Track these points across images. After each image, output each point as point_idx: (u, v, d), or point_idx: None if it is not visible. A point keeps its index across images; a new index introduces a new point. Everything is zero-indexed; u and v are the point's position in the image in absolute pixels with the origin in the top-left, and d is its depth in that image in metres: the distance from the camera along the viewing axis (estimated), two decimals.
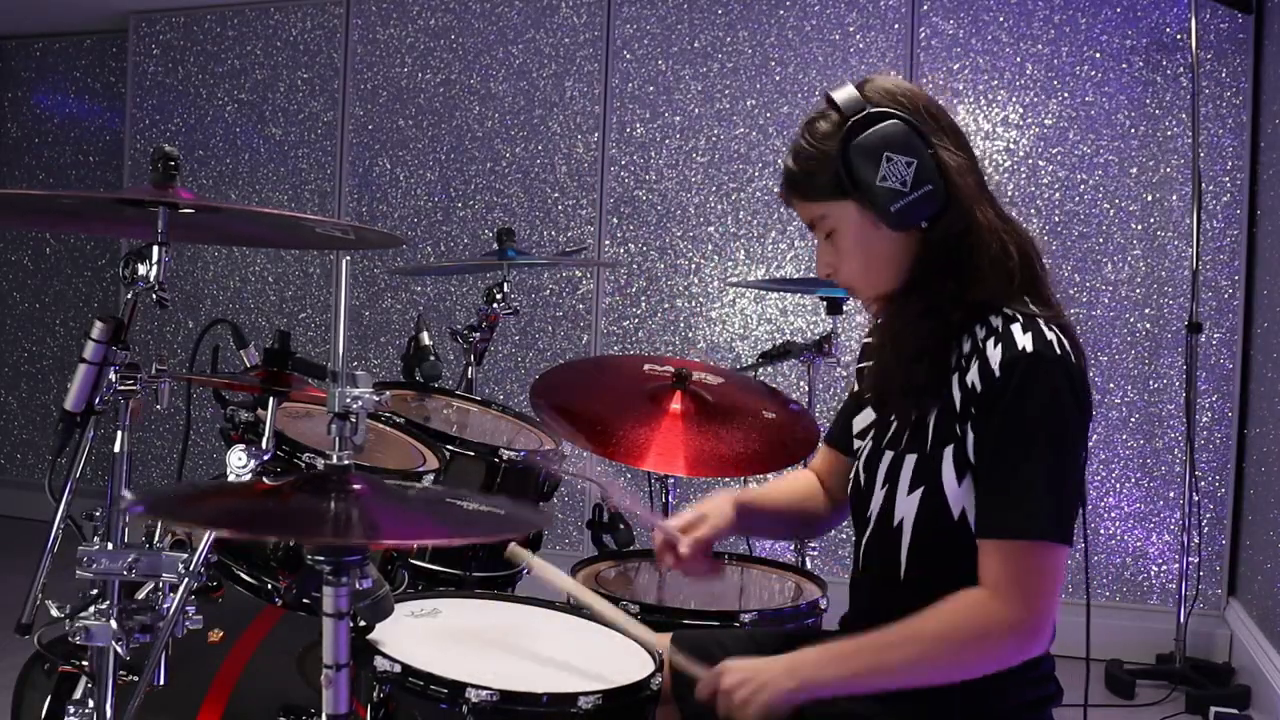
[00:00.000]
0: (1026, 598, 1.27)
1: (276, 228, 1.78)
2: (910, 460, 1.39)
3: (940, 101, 1.46)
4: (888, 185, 1.35)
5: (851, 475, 1.53)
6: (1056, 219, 3.61)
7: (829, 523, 1.75)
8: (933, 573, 1.37)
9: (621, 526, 2.34)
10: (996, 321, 1.35)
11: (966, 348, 1.37)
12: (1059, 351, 1.31)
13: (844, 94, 1.40)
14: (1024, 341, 1.30)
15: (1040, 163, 3.64)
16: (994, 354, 1.31)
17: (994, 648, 1.29)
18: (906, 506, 1.38)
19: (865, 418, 1.57)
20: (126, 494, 1.15)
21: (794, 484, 1.73)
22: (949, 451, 1.35)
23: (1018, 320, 1.33)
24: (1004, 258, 1.37)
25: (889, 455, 1.44)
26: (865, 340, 1.62)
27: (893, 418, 1.46)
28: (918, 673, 1.32)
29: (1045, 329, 1.32)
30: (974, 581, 1.31)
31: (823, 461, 1.71)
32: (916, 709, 1.38)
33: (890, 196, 1.35)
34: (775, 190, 3.83)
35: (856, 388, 1.62)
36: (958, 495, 1.34)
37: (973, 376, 1.33)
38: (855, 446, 1.57)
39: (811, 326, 3.88)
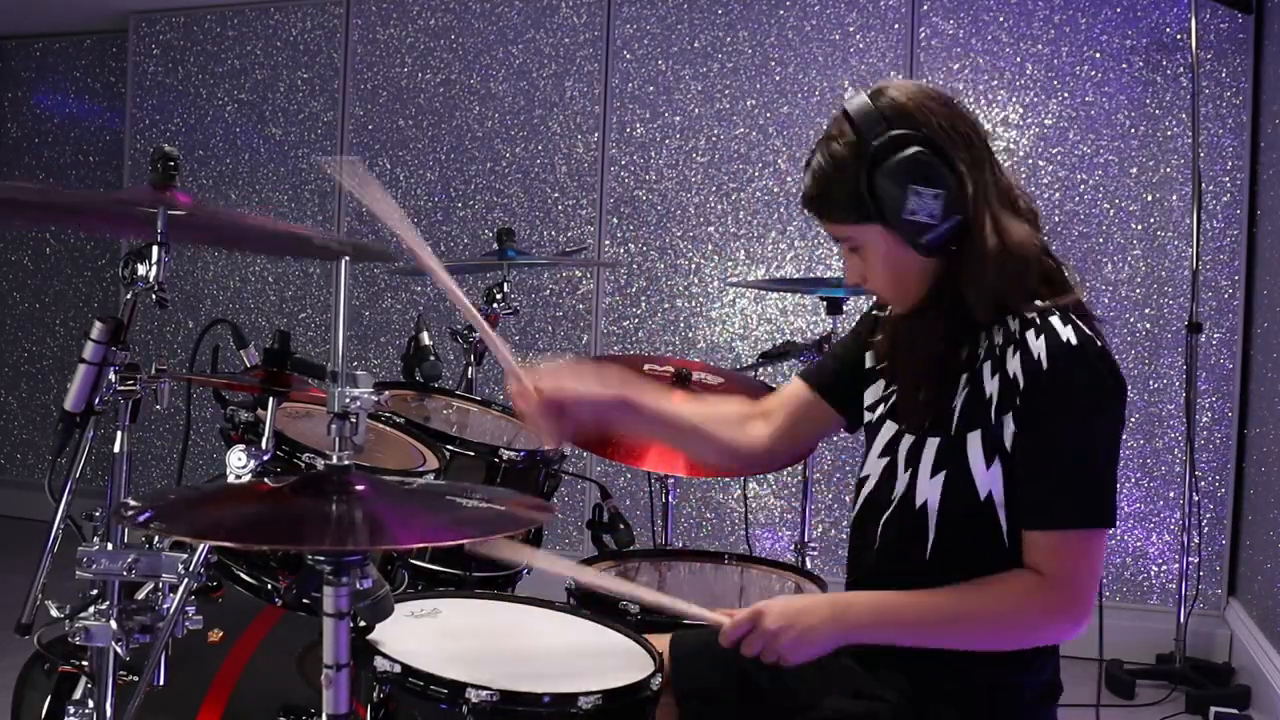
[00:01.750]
0: (1077, 585, 1.32)
1: (273, 238, 1.78)
2: (933, 444, 1.40)
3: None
4: (917, 219, 1.35)
5: (867, 461, 1.52)
6: (1056, 219, 3.60)
7: (754, 459, 1.68)
8: (957, 552, 1.39)
9: (621, 526, 2.34)
10: (1031, 314, 1.36)
11: (999, 338, 1.38)
12: (1100, 344, 1.34)
13: (858, 108, 1.38)
14: (1067, 334, 1.32)
15: (1040, 163, 3.64)
16: (1036, 345, 1.33)
17: (1042, 631, 1.35)
18: (930, 489, 1.40)
19: (875, 392, 1.56)
20: (131, 502, 1.14)
21: (712, 405, 1.69)
22: (976, 436, 1.36)
23: (1054, 313, 1.35)
24: (1025, 264, 1.38)
25: (909, 439, 1.45)
26: (875, 312, 1.60)
27: (908, 401, 1.47)
28: (961, 643, 1.37)
29: (1081, 323, 1.35)
30: (998, 560, 1.35)
31: (790, 396, 1.66)
32: (918, 699, 1.39)
33: (920, 229, 1.35)
34: (775, 190, 3.86)
35: (870, 360, 1.58)
36: (985, 477, 1.36)
37: (1014, 367, 1.34)
38: (865, 419, 1.57)
39: (811, 326, 3.88)
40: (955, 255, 1.39)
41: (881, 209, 1.36)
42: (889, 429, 1.50)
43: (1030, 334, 1.34)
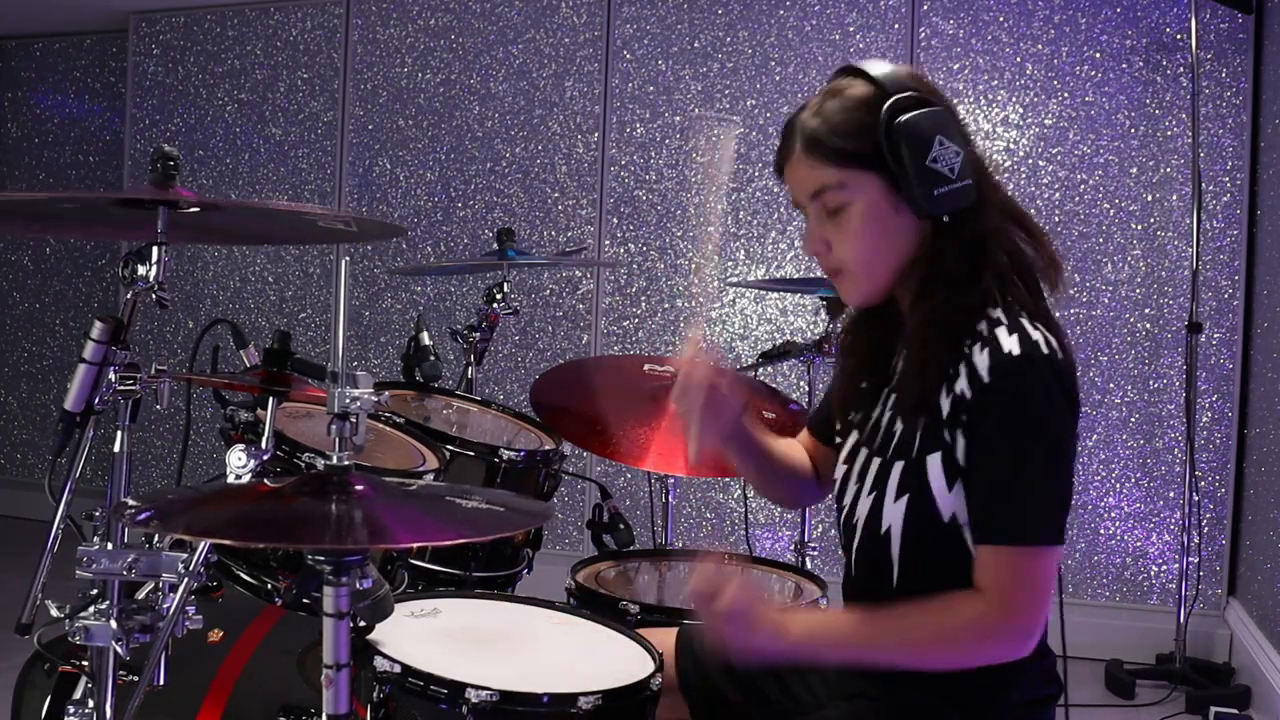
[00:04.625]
0: (1022, 603, 1.27)
1: (278, 222, 1.78)
2: (898, 467, 1.37)
3: None
4: (937, 168, 1.31)
5: (839, 480, 1.50)
6: (1056, 219, 3.60)
7: (812, 495, 1.71)
8: (925, 577, 1.35)
9: (621, 526, 2.34)
10: (981, 326, 1.32)
11: (949, 355, 1.34)
12: (1045, 351, 1.29)
13: (880, 68, 1.36)
14: (1010, 345, 1.28)
15: (1040, 163, 3.64)
16: (981, 360, 1.29)
17: (986, 652, 1.30)
18: (894, 513, 1.36)
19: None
20: (131, 501, 1.14)
21: (791, 447, 1.70)
22: (936, 459, 1.33)
23: (1002, 324, 1.31)
24: (1008, 266, 1.36)
25: (877, 462, 1.41)
26: (842, 337, 1.57)
27: (883, 421, 1.43)
28: (902, 664, 1.34)
29: (1030, 329, 1.30)
30: (967, 583, 1.30)
31: (806, 443, 1.70)
32: (916, 700, 1.39)
33: (937, 180, 1.31)
34: (775, 190, 3.86)
35: (841, 374, 1.56)
36: (948, 501, 1.32)
37: (962, 385, 1.30)
38: (838, 443, 1.55)
39: (811, 326, 3.88)
40: (945, 231, 1.35)
41: (898, 155, 1.31)
42: (861, 454, 1.46)
43: (977, 349, 1.30)
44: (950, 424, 1.31)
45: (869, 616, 1.33)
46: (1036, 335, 1.30)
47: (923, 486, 1.33)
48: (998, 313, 1.33)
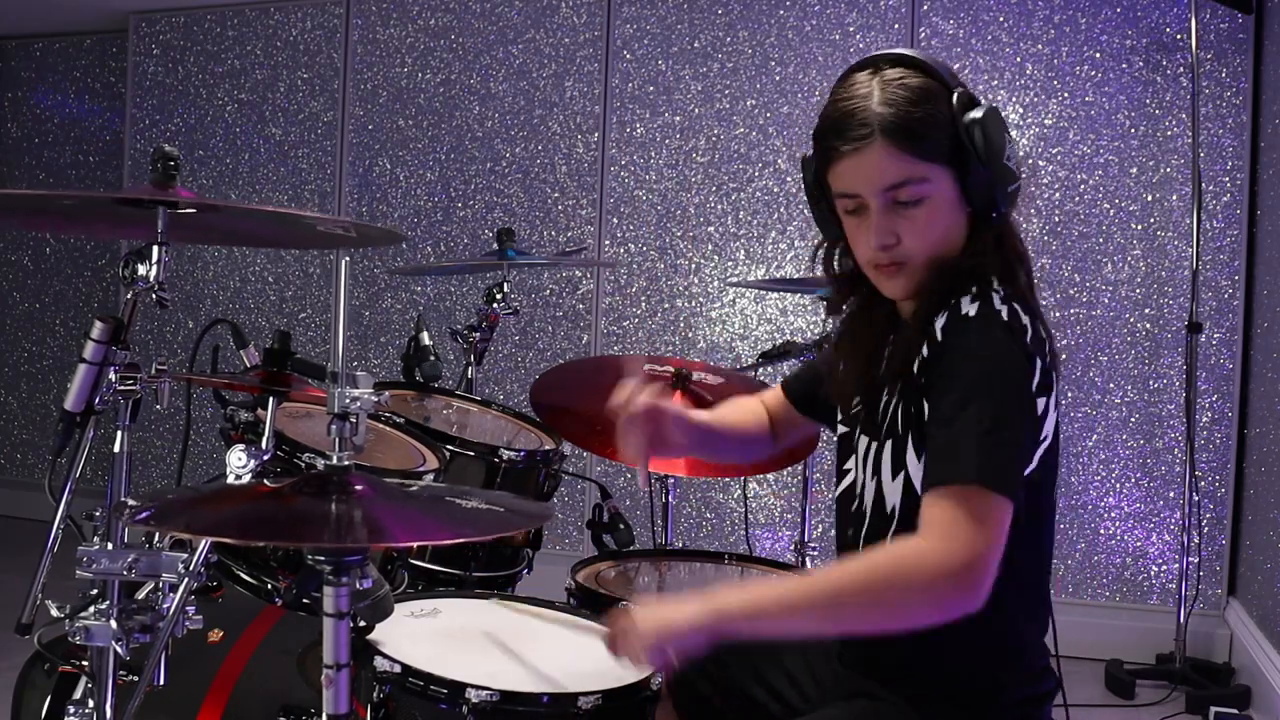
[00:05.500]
0: (958, 541, 1.19)
1: (277, 225, 1.78)
2: (889, 446, 1.37)
3: None
4: (1011, 166, 1.31)
5: (845, 475, 1.50)
6: (1056, 219, 3.61)
7: (765, 451, 1.72)
8: None
9: (621, 527, 2.34)
10: (953, 301, 1.32)
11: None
12: (1005, 319, 1.28)
13: (924, 58, 1.34)
14: (967, 309, 1.29)
15: (1040, 163, 3.64)
16: (939, 322, 1.30)
17: (924, 591, 1.20)
18: (894, 491, 1.36)
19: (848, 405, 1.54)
20: (131, 501, 1.14)
21: (738, 411, 1.71)
22: (912, 432, 1.33)
23: (968, 294, 1.31)
24: (1013, 263, 1.36)
25: (874, 446, 1.41)
26: (842, 329, 1.56)
27: (877, 407, 1.43)
28: (844, 621, 1.26)
29: (996, 303, 1.30)
30: None
31: (773, 400, 1.70)
32: (912, 699, 1.39)
33: (1011, 177, 1.32)
34: (775, 190, 3.86)
35: (840, 368, 1.54)
36: (919, 473, 1.31)
37: (924, 350, 1.31)
38: (841, 431, 1.54)
39: (811, 326, 3.88)
40: (985, 229, 1.35)
41: (978, 149, 1.30)
42: (859, 437, 1.46)
43: (939, 318, 1.30)
44: (917, 394, 1.32)
45: (805, 575, 1.31)
46: (1000, 306, 1.29)
47: (909, 462, 1.34)
48: (971, 291, 1.32)
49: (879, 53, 1.37)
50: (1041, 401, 1.29)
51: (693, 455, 1.68)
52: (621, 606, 1.34)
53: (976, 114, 1.31)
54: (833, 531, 1.56)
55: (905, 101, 1.30)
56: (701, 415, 1.64)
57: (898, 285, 1.38)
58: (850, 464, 1.50)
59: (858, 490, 1.46)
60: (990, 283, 1.33)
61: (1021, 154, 3.62)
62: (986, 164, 1.31)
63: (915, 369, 1.32)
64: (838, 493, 1.52)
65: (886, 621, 1.24)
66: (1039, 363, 1.28)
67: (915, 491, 1.32)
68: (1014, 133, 3.64)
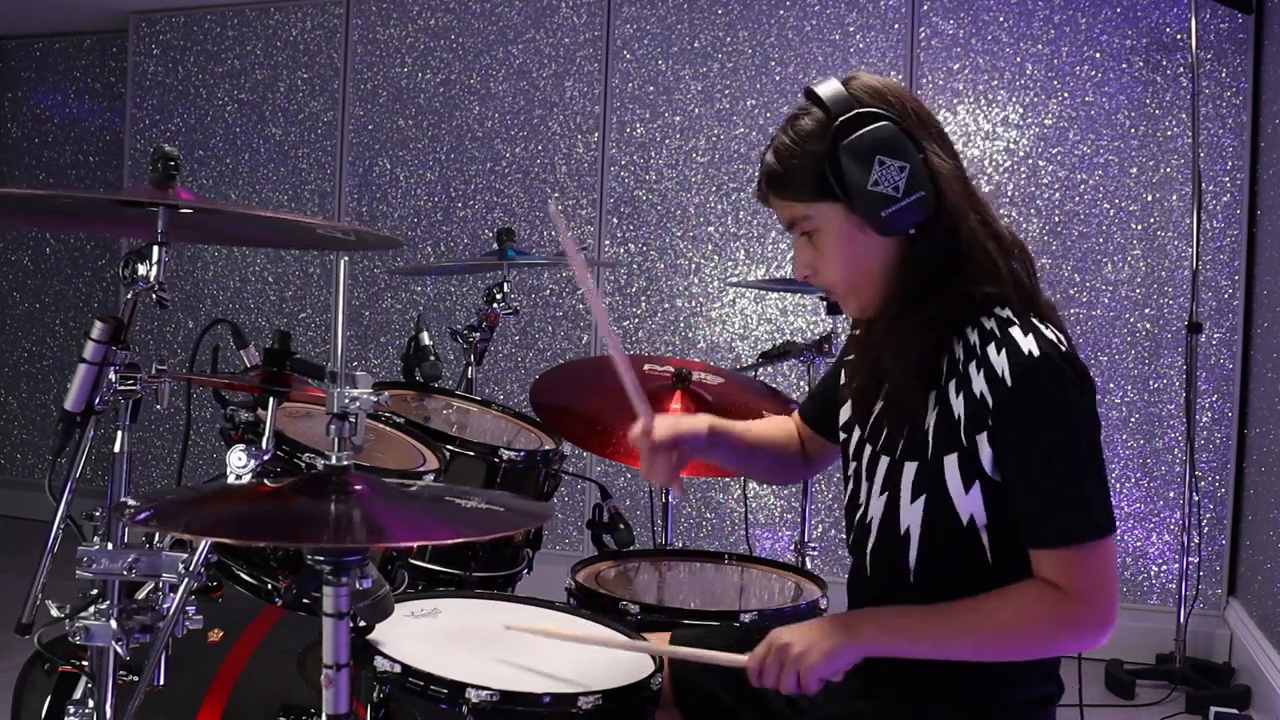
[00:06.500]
0: (1096, 596, 1.29)
1: (276, 229, 1.78)
2: (910, 468, 1.37)
3: (938, 101, 1.44)
4: (880, 190, 1.32)
5: (850, 479, 1.51)
6: (1056, 219, 3.60)
7: (802, 473, 1.77)
8: (941, 576, 1.36)
9: (621, 527, 2.34)
10: (990, 324, 1.33)
11: (959, 353, 1.34)
12: (1064, 350, 1.30)
13: (829, 90, 1.38)
14: (1029, 345, 1.29)
15: (1040, 163, 3.64)
16: (999, 361, 1.29)
17: (1067, 643, 1.32)
18: (911, 514, 1.37)
19: (848, 412, 1.54)
20: (131, 501, 1.14)
21: (773, 427, 1.72)
22: (952, 460, 1.33)
23: (1014, 324, 1.31)
24: (991, 265, 1.35)
25: (885, 460, 1.42)
26: (853, 333, 1.59)
27: (883, 421, 1.44)
28: (982, 655, 1.33)
29: (1043, 328, 1.31)
30: (982, 581, 1.31)
31: (801, 427, 1.72)
32: (916, 700, 1.39)
33: (881, 202, 1.32)
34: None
35: (844, 379, 1.58)
36: (965, 502, 1.33)
37: (980, 386, 1.30)
38: (841, 438, 1.55)
39: (811, 326, 3.88)
40: (918, 241, 1.35)
41: (844, 183, 1.33)
42: (866, 451, 1.47)
43: (991, 349, 1.30)
44: (970, 427, 1.31)
45: (946, 610, 1.33)
46: (1050, 334, 1.31)
47: (940, 489, 1.34)
48: (1006, 312, 1.33)
49: (812, 85, 1.42)
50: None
51: (730, 467, 1.70)
52: (771, 635, 1.38)
53: (841, 143, 1.33)
54: (833, 532, 1.56)
55: (784, 150, 1.40)
56: (738, 430, 1.64)
57: (845, 308, 1.47)
58: (851, 472, 1.50)
59: (861, 501, 1.46)
60: (999, 300, 1.34)
61: (1020, 154, 3.63)
62: (845, 191, 1.33)
63: (962, 402, 1.32)
64: (845, 497, 1.53)
65: (1019, 656, 1.35)
66: (1094, 389, 1.33)
67: (953, 516, 1.34)
68: (1013, 133, 3.64)
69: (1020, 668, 1.38)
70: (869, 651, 1.34)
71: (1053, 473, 1.28)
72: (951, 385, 1.34)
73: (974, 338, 1.33)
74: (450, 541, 1.93)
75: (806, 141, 1.37)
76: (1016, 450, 1.29)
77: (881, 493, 1.41)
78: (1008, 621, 1.30)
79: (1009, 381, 1.28)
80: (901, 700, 1.40)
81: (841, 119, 1.34)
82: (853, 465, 1.50)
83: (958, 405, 1.32)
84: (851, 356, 1.56)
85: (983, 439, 1.30)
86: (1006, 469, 1.30)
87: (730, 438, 1.61)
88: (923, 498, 1.36)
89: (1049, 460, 1.28)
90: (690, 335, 4.02)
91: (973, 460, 1.31)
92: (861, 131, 1.33)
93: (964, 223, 1.36)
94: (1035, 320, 1.32)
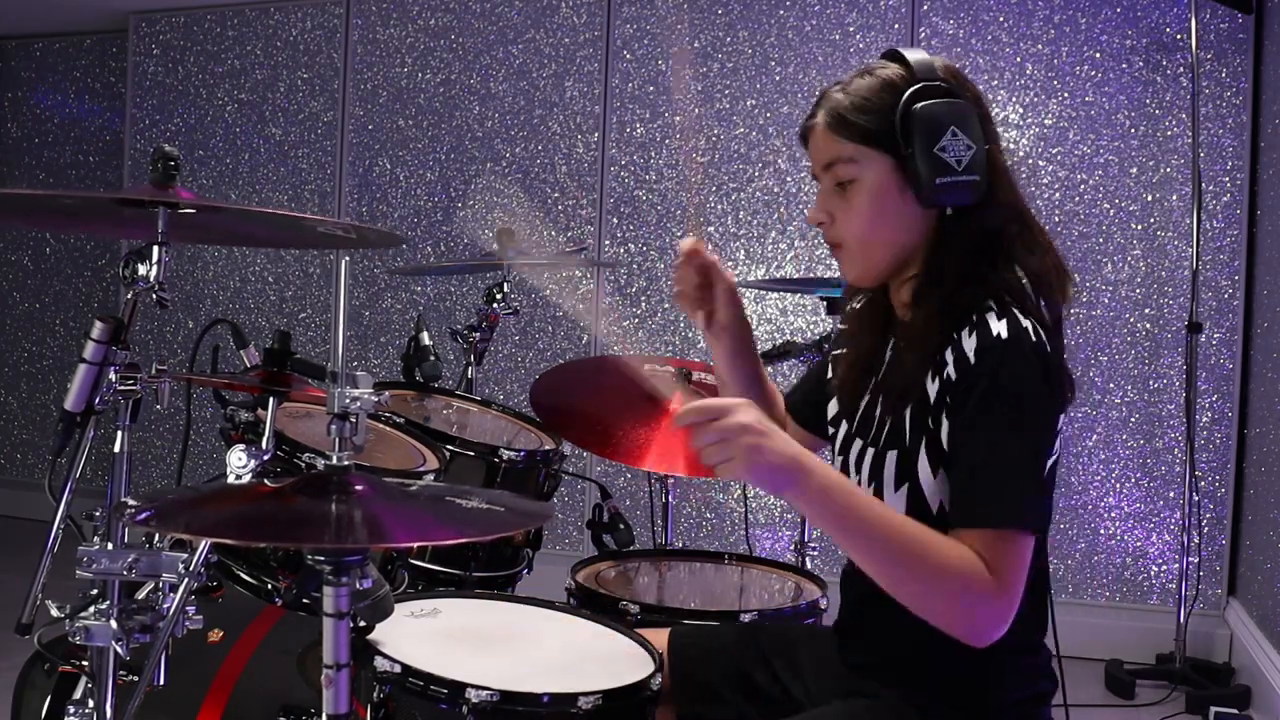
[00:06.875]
0: (1014, 588, 1.22)
1: (277, 228, 1.78)
2: (892, 457, 1.37)
3: None
4: (944, 157, 1.31)
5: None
6: (1056, 219, 3.60)
7: None
8: None
9: (621, 526, 2.34)
10: (974, 314, 1.32)
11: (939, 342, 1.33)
12: (1034, 339, 1.28)
13: (918, 56, 1.37)
14: (999, 328, 1.28)
15: (1040, 163, 3.64)
16: (969, 343, 1.29)
17: (966, 607, 1.23)
18: (896, 504, 1.35)
19: (835, 406, 1.54)
20: (131, 501, 1.14)
21: (777, 396, 1.71)
22: (924, 445, 1.32)
23: (992, 310, 1.30)
24: (1014, 271, 1.35)
25: (870, 452, 1.41)
26: (842, 326, 1.59)
27: (874, 411, 1.43)
28: (885, 573, 1.25)
29: (1020, 317, 1.29)
30: None
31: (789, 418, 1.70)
32: (912, 699, 1.39)
33: (940, 169, 1.31)
34: (775, 190, 3.86)
35: (830, 373, 1.56)
36: (934, 489, 1.32)
37: (949, 370, 1.30)
38: (829, 432, 1.55)
39: (811, 326, 3.88)
40: (952, 224, 1.35)
41: (909, 137, 1.32)
42: (855, 445, 1.46)
43: (965, 332, 1.30)
44: (935, 408, 1.31)
45: (892, 514, 1.26)
46: (1026, 323, 1.29)
47: (915, 477, 1.33)
48: (993, 303, 1.32)
49: (898, 48, 1.40)
50: (1060, 420, 1.31)
51: (730, 355, 1.62)
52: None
53: (920, 104, 1.32)
54: None
55: (859, 89, 1.37)
56: (760, 363, 1.64)
57: (843, 268, 1.44)
58: (839, 466, 1.49)
59: None
60: (1004, 295, 1.32)
61: (1020, 154, 3.63)
62: (910, 149, 1.32)
63: (937, 385, 1.31)
64: None
65: (920, 601, 1.24)
66: (1065, 392, 1.32)
67: (925, 505, 1.32)
68: (1013, 133, 3.64)
69: (1015, 666, 1.38)
70: (799, 497, 1.23)
71: (987, 452, 1.25)
72: (929, 373, 1.33)
73: (956, 331, 1.32)
74: (450, 542, 1.93)
75: (883, 89, 1.36)
76: (962, 425, 1.27)
77: (869, 484, 1.40)
78: (935, 560, 1.22)
79: (972, 360, 1.28)
80: (897, 698, 1.40)
81: (926, 82, 1.34)
82: (839, 460, 1.49)
83: (932, 391, 1.32)
84: (843, 350, 1.54)
85: (942, 417, 1.30)
86: (951, 443, 1.29)
87: (752, 353, 1.62)
88: (905, 486, 1.35)
89: (985, 438, 1.25)
90: (690, 335, 4.01)
91: (937, 444, 1.31)
92: (943, 99, 1.33)
93: (1006, 224, 1.36)
94: (1014, 309, 1.30)
